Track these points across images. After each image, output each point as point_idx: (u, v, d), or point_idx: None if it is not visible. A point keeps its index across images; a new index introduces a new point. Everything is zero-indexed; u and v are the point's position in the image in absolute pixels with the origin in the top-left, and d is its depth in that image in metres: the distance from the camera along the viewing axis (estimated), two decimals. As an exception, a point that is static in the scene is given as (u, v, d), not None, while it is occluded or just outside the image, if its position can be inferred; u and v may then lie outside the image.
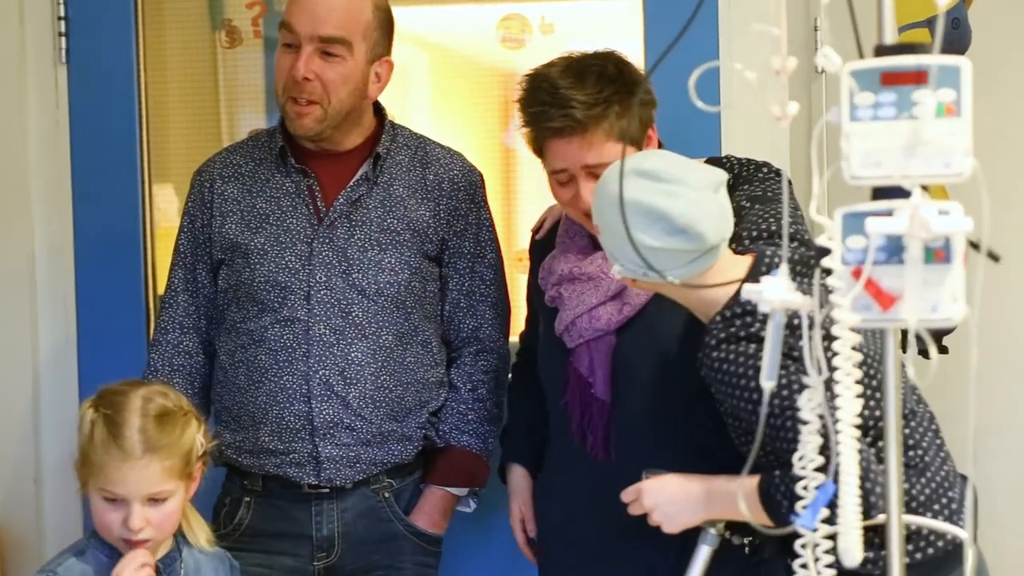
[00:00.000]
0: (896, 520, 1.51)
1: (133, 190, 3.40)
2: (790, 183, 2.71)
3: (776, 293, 1.56)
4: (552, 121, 2.55)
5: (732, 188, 2.65)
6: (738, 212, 2.56)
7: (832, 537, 1.63)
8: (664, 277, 2.28)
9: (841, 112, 1.48)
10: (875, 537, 2.24)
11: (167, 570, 2.52)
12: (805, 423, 1.58)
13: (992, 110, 1.79)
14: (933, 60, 1.45)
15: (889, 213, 1.45)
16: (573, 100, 2.53)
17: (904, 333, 1.48)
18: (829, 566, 1.60)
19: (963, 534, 2.24)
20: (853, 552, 1.54)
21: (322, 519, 2.83)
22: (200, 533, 2.60)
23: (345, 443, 2.80)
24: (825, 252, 1.48)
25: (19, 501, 3.40)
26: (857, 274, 1.47)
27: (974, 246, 1.45)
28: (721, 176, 2.37)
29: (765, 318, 2.22)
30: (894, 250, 1.46)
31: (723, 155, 2.75)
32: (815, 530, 1.61)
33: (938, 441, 2.48)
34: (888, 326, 1.51)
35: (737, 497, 2.31)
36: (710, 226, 2.28)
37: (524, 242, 3.37)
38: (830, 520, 1.68)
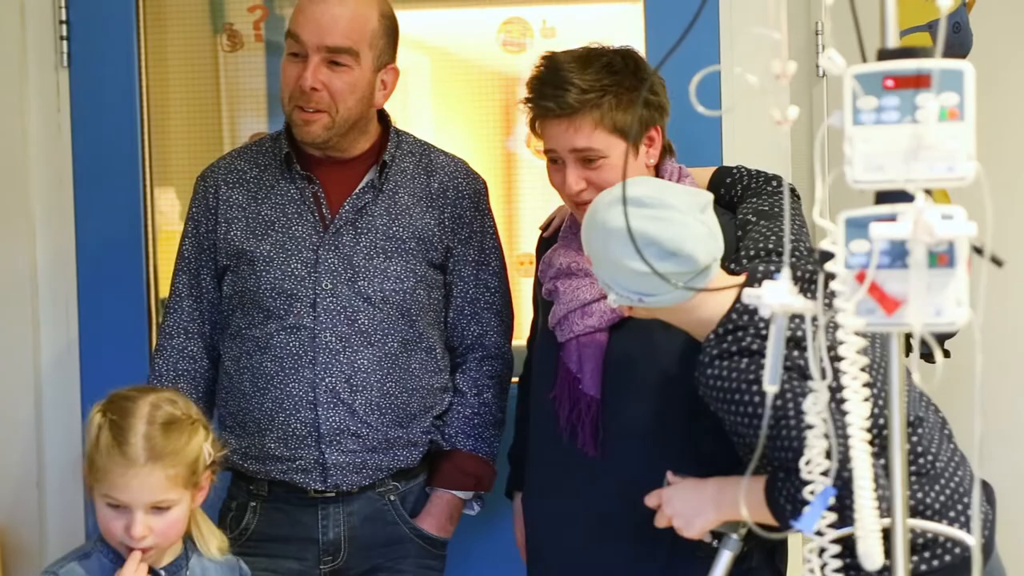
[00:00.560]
0: (901, 526, 1.51)
1: (134, 194, 3.39)
2: (799, 198, 2.72)
3: (776, 297, 1.55)
4: (546, 100, 2.58)
5: (740, 200, 2.66)
6: (744, 226, 2.56)
7: (838, 541, 1.63)
8: (665, 290, 2.27)
9: (844, 116, 1.48)
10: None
11: None
12: (810, 427, 1.58)
13: (993, 113, 1.79)
14: (936, 64, 1.44)
15: (892, 217, 1.45)
16: (570, 84, 2.55)
17: (907, 337, 1.48)
18: (837, 571, 1.60)
19: (970, 540, 2.23)
20: (874, 556, 1.54)
21: (328, 523, 2.83)
22: (211, 540, 2.57)
23: (351, 450, 2.80)
24: (828, 256, 1.48)
25: (22, 504, 3.40)
26: (861, 278, 1.47)
27: (978, 251, 1.45)
28: (706, 197, 2.38)
29: (756, 332, 2.26)
30: (898, 254, 1.46)
31: (734, 166, 2.74)
32: (820, 534, 1.61)
33: (951, 446, 2.47)
34: (892, 330, 1.51)
35: (739, 500, 2.32)
36: (700, 247, 2.28)
37: (526, 246, 3.38)
38: (839, 524, 1.68)
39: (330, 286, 2.80)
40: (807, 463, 1.59)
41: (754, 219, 2.57)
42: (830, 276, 1.49)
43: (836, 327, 1.52)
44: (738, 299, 2.33)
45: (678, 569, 2.56)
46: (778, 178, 2.69)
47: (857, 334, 1.50)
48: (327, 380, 2.79)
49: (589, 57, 2.60)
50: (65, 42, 3.38)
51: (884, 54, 1.48)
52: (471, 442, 2.92)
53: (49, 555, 3.39)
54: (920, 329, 1.45)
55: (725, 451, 2.45)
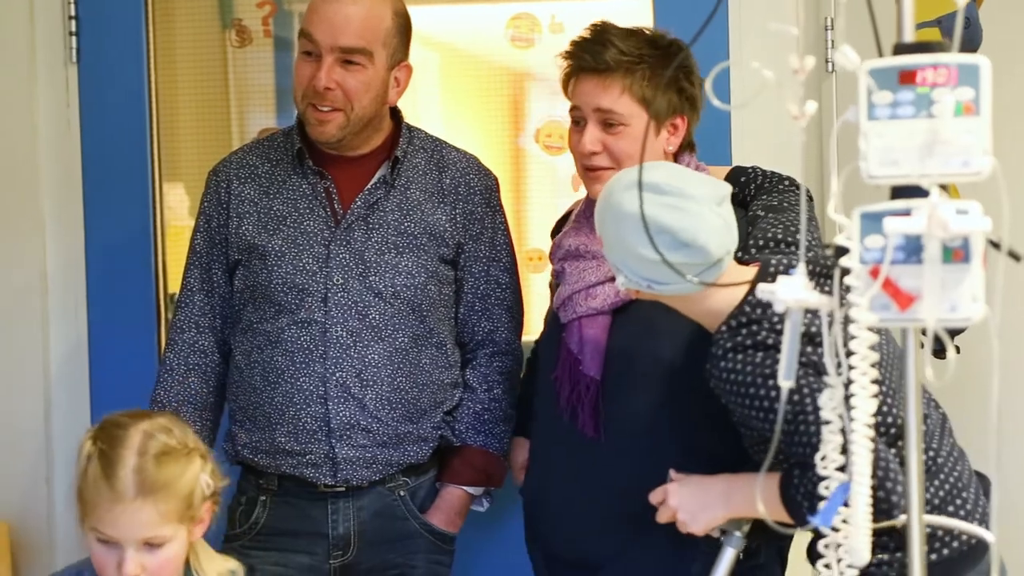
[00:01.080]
0: (917, 521, 1.51)
1: (144, 189, 3.40)
2: (812, 200, 2.71)
3: (791, 292, 1.55)
4: (584, 54, 2.61)
5: (753, 198, 2.65)
6: (753, 221, 2.56)
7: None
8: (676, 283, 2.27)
9: (859, 111, 1.47)
10: (890, 541, 2.25)
11: None
12: (827, 423, 1.57)
13: (1003, 108, 1.79)
14: (952, 59, 1.44)
15: (907, 212, 1.45)
16: (611, 44, 2.58)
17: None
18: (852, 566, 1.60)
19: (988, 535, 2.23)
20: (861, 551, 1.54)
21: (338, 517, 2.83)
22: (210, 570, 2.41)
23: (362, 444, 2.80)
24: (843, 251, 1.48)
25: (31, 502, 3.40)
26: (875, 273, 1.47)
27: (995, 245, 1.45)
28: (725, 189, 2.36)
29: (771, 326, 2.25)
30: (912, 249, 1.46)
31: (750, 166, 2.74)
32: (836, 529, 1.61)
33: (951, 441, 2.48)
34: (906, 326, 1.51)
35: (756, 497, 2.31)
36: (714, 240, 2.26)
37: (535, 242, 3.38)
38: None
39: (341, 281, 2.80)
40: (823, 458, 1.59)
41: (763, 214, 2.57)
42: (845, 271, 1.49)
43: (848, 322, 1.52)
44: (751, 292, 2.32)
45: (677, 553, 2.56)
46: (791, 178, 2.69)
47: (869, 330, 1.49)
48: (337, 375, 2.79)
49: (637, 30, 2.63)
50: (74, 38, 3.38)
51: (900, 48, 1.48)
52: (481, 438, 2.92)
53: (58, 552, 3.40)
54: (934, 325, 1.45)
55: (723, 437, 2.46)
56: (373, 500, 2.85)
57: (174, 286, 3.33)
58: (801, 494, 2.23)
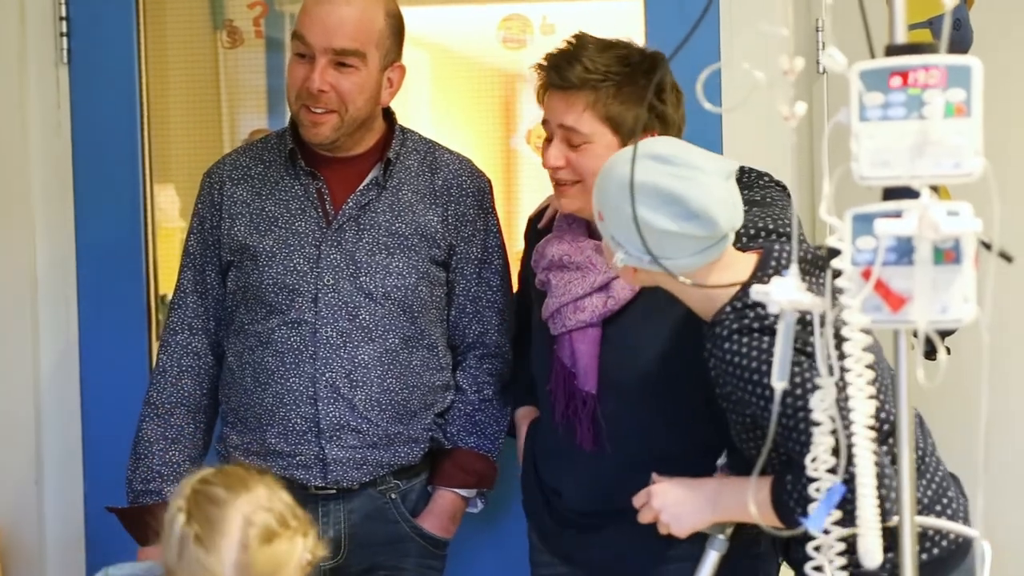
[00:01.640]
0: (909, 521, 1.51)
1: (135, 190, 3.39)
2: (789, 194, 2.71)
3: (785, 293, 1.55)
4: (552, 71, 2.60)
5: None
6: None
7: (845, 539, 1.63)
8: (663, 266, 2.23)
9: (851, 112, 1.48)
10: (889, 538, 2.25)
11: None
12: (817, 424, 1.57)
13: (995, 109, 1.79)
14: (943, 60, 1.44)
15: (899, 214, 1.45)
16: (579, 61, 2.57)
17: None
18: (842, 568, 1.60)
19: (975, 534, 2.24)
20: (873, 553, 1.54)
21: (329, 520, 2.83)
22: None
23: (352, 445, 2.80)
24: (835, 253, 1.48)
25: (21, 504, 3.39)
26: (867, 275, 1.47)
27: (986, 246, 1.45)
28: (731, 165, 2.33)
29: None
30: (904, 251, 1.46)
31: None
32: (827, 532, 1.61)
33: (931, 441, 2.48)
34: (898, 327, 1.51)
35: (748, 499, 2.29)
36: (724, 213, 2.24)
37: (525, 243, 3.38)
38: (843, 522, 1.68)
39: (332, 281, 2.80)
40: (813, 460, 1.59)
41: (747, 208, 2.56)
42: (836, 272, 1.49)
43: (841, 323, 1.52)
44: (754, 275, 2.30)
45: (673, 562, 2.56)
46: (769, 174, 2.69)
47: (862, 331, 1.50)
48: (327, 375, 2.79)
49: (611, 45, 2.61)
50: (65, 39, 3.38)
51: (892, 50, 1.48)
52: (473, 439, 2.92)
53: (48, 555, 3.39)
54: (925, 326, 1.45)
55: (720, 444, 2.46)
56: (364, 503, 2.84)
57: (165, 288, 3.33)
58: (794, 499, 2.22)
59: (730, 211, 2.26)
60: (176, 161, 3.46)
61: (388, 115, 2.93)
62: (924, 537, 2.33)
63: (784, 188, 2.68)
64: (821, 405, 1.56)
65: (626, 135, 2.57)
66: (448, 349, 2.94)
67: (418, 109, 3.45)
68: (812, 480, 1.63)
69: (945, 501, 2.38)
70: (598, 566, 2.69)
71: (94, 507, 3.36)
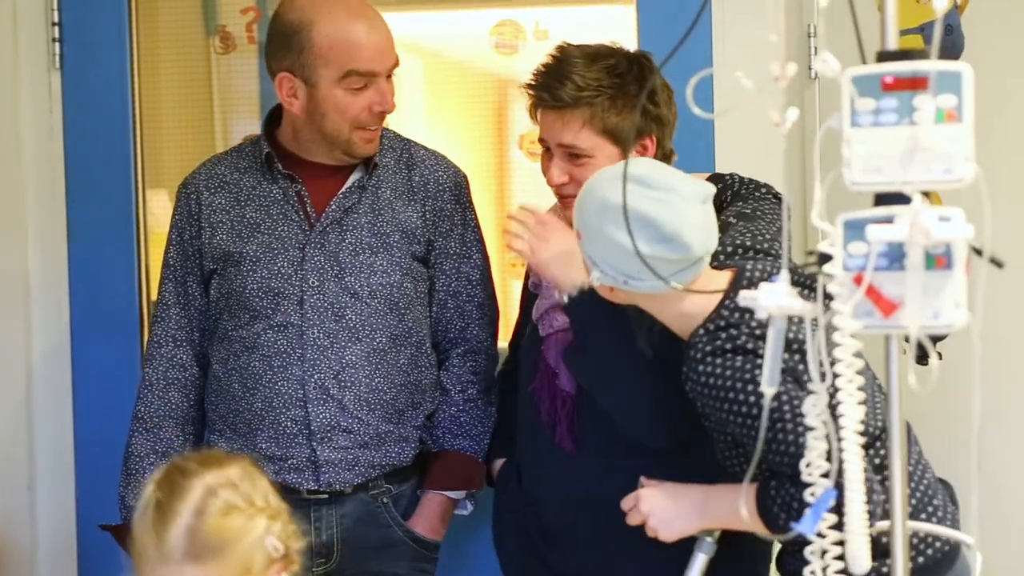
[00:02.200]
0: (901, 526, 1.51)
1: (127, 195, 3.39)
2: (781, 202, 2.72)
3: (773, 299, 1.56)
4: (543, 90, 2.61)
5: (728, 204, 2.65)
6: (724, 228, 2.55)
7: (840, 543, 1.63)
8: (653, 281, 2.25)
9: (842, 118, 1.48)
10: (872, 547, 2.25)
11: None
12: (811, 429, 1.58)
13: (986, 115, 1.79)
14: (933, 66, 1.45)
15: (890, 219, 1.46)
16: (568, 78, 2.57)
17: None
18: (839, 572, 1.60)
19: (969, 540, 2.24)
20: (861, 559, 1.54)
21: (321, 525, 2.83)
22: None
23: (343, 446, 2.81)
24: (827, 258, 1.48)
25: (13, 509, 3.39)
26: (858, 280, 1.47)
27: (977, 252, 1.45)
28: (709, 189, 2.35)
29: (751, 330, 2.25)
30: (895, 256, 1.46)
31: (728, 173, 2.74)
32: (821, 536, 1.61)
33: (917, 449, 2.49)
34: (889, 333, 1.51)
35: (738, 505, 2.29)
36: (697, 237, 2.25)
37: (518, 248, 3.38)
38: (838, 527, 1.68)
39: (317, 283, 2.81)
40: (807, 465, 1.59)
41: (734, 221, 2.57)
42: (827, 278, 1.50)
43: (831, 329, 1.52)
44: (727, 295, 2.31)
45: (653, 565, 2.56)
46: (767, 185, 2.69)
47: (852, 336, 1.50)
48: (316, 376, 2.79)
49: (597, 55, 2.61)
50: (58, 44, 3.38)
51: (883, 56, 1.48)
52: (459, 441, 2.92)
53: (40, 559, 3.39)
54: (917, 332, 1.45)
55: (700, 451, 2.46)
56: (356, 507, 2.84)
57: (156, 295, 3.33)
58: (778, 505, 2.23)
59: (704, 235, 2.28)
60: (169, 166, 3.46)
61: None
62: (910, 545, 2.33)
63: (780, 200, 2.69)
64: (814, 410, 1.56)
65: (626, 143, 2.59)
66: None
67: (411, 115, 3.46)
68: (797, 486, 1.63)
69: (930, 509, 2.39)
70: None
71: (86, 513, 3.36)
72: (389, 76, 2.81)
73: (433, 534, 2.91)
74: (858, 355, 1.52)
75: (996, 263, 1.46)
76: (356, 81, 2.77)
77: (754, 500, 2.28)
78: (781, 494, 2.22)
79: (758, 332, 2.23)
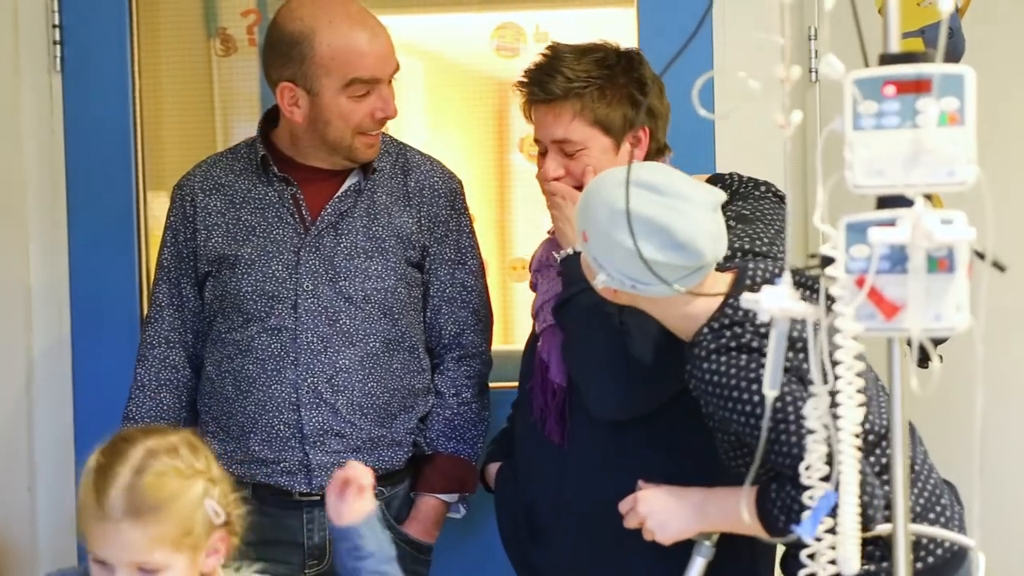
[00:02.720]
0: (903, 529, 1.51)
1: (128, 197, 3.39)
2: (784, 203, 2.72)
3: (775, 301, 1.56)
4: (534, 85, 2.63)
5: (728, 204, 2.65)
6: None
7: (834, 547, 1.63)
8: (660, 286, 2.25)
9: (845, 121, 1.48)
10: (876, 550, 2.25)
11: None
12: (811, 432, 1.58)
13: (988, 117, 1.79)
14: (936, 69, 1.45)
15: (892, 222, 1.46)
16: (558, 71, 2.60)
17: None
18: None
19: (970, 542, 2.24)
20: (852, 561, 1.54)
21: (313, 527, 2.83)
22: None
23: (335, 450, 2.81)
24: (829, 261, 1.49)
25: (13, 511, 3.39)
26: (861, 283, 1.47)
27: (979, 255, 1.46)
28: (720, 196, 2.34)
29: (755, 329, 2.25)
30: (898, 259, 1.46)
31: (727, 173, 2.74)
32: (819, 539, 1.61)
33: (923, 449, 2.49)
34: (891, 335, 1.51)
35: (738, 508, 2.29)
36: (709, 245, 2.25)
37: (518, 251, 3.38)
38: (834, 531, 1.68)
39: (311, 287, 2.81)
40: (807, 468, 1.59)
41: (733, 223, 2.57)
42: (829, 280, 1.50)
43: (833, 331, 1.52)
44: (730, 294, 2.31)
45: (640, 561, 2.56)
46: (767, 183, 2.69)
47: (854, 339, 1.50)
48: (309, 380, 2.80)
49: (586, 50, 2.64)
50: (58, 46, 3.38)
51: (886, 59, 1.49)
52: (452, 444, 2.92)
53: (41, 560, 3.39)
54: (918, 334, 1.45)
55: (688, 446, 2.48)
56: (348, 510, 2.85)
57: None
58: (778, 507, 2.23)
59: (715, 243, 2.28)
60: (169, 168, 3.45)
61: None
62: (919, 545, 2.33)
63: (782, 199, 2.69)
64: (815, 413, 1.56)
65: (617, 134, 2.61)
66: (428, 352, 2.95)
67: (412, 117, 3.46)
68: (797, 488, 1.63)
69: (939, 509, 2.38)
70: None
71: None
72: (390, 81, 2.81)
73: (426, 537, 2.91)
74: (860, 357, 1.53)
75: (998, 266, 1.46)
76: (359, 89, 2.77)
77: (754, 502, 2.28)
78: (782, 496, 2.22)
79: (763, 330, 2.22)
